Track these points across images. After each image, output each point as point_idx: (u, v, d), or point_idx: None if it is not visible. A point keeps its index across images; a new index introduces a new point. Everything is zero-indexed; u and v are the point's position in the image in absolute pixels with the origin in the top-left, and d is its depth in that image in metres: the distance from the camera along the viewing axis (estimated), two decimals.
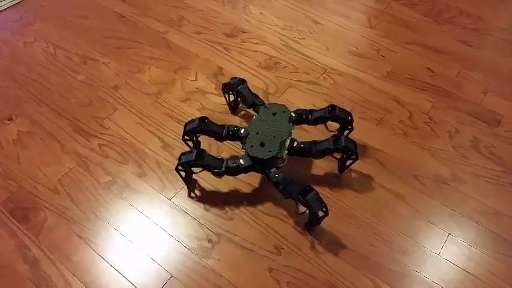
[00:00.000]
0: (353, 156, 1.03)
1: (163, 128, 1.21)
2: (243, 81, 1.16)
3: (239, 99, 1.21)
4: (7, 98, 1.29)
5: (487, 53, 1.46)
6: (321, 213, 0.91)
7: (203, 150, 0.98)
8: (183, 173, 1.02)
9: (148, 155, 1.14)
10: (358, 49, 1.46)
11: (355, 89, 1.33)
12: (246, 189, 1.08)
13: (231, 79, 1.17)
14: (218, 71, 1.39)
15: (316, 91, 1.33)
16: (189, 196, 1.07)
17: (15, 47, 1.46)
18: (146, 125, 1.22)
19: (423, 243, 0.98)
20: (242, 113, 1.26)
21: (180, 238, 0.99)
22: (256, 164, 0.99)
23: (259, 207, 1.04)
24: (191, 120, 1.05)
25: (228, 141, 1.11)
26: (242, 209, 1.04)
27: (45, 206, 1.04)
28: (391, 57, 1.43)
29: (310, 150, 1.01)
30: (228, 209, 1.04)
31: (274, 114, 1.06)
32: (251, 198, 1.06)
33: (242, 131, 1.03)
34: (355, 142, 1.02)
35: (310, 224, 0.99)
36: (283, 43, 1.49)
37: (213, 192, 1.07)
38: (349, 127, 1.08)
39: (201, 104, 1.29)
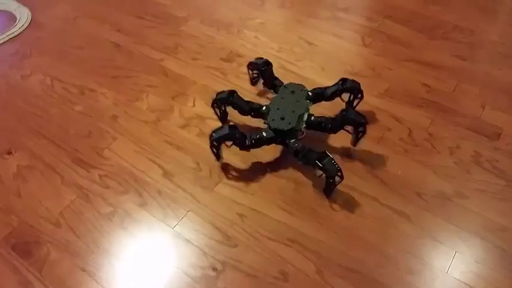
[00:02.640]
0: (361, 128, 1.11)
1: (163, 156, 1.20)
2: (268, 63, 1.27)
3: (261, 77, 1.31)
4: (6, 132, 1.29)
5: (482, 67, 1.47)
6: (337, 179, 1.02)
7: (233, 125, 1.08)
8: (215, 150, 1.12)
9: (149, 183, 1.14)
10: (354, 68, 1.47)
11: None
12: (249, 213, 1.07)
13: (256, 58, 1.29)
14: None
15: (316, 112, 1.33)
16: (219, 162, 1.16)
17: (12, 81, 1.47)
18: (146, 153, 1.21)
19: (430, 262, 0.97)
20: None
21: (184, 268, 0.97)
22: (277, 136, 1.10)
23: (263, 232, 1.03)
24: (222, 91, 1.19)
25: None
26: (246, 234, 1.03)
27: (47, 240, 1.02)
28: (387, 75, 1.44)
29: (326, 124, 1.12)
30: (231, 235, 1.03)
31: (292, 92, 1.18)
32: (254, 223, 1.05)
33: (264, 108, 1.16)
34: (363, 116, 1.10)
35: (328, 189, 1.07)
36: (280, 65, 1.50)
37: (213, 219, 1.06)
38: (359, 96, 1.21)
39: (200, 129, 1.29)
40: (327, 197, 1.09)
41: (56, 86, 1.45)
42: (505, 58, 1.50)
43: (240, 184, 1.13)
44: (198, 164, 1.18)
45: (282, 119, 1.10)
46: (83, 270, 0.97)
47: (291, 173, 1.15)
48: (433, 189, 1.11)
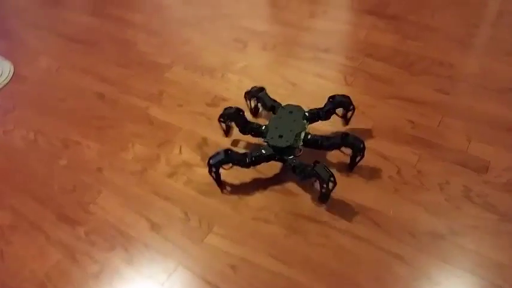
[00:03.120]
0: (359, 153, 1.18)
1: (150, 208, 1.18)
2: (262, 89, 1.36)
3: (259, 104, 1.39)
4: None
5: (464, 100, 1.49)
6: (331, 185, 1.08)
7: (228, 149, 1.15)
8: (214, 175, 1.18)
9: (136, 238, 1.10)
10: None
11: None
12: (241, 264, 1.04)
13: (251, 88, 1.38)
14: (202, 142, 1.39)
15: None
16: (223, 192, 1.21)
17: None
18: (132, 205, 1.19)
19: None
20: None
21: None
22: (276, 153, 1.17)
23: (257, 284, 1.00)
24: (229, 107, 1.28)
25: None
26: None
27: None
28: (372, 113, 1.45)
29: (322, 142, 1.19)
30: None
31: (290, 112, 1.26)
32: (247, 275, 1.02)
33: (263, 127, 1.24)
34: (362, 140, 1.16)
35: (323, 196, 1.13)
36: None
37: (204, 272, 1.03)
38: (351, 108, 1.30)
39: (187, 177, 1.27)
40: (323, 204, 1.15)
41: (39, 140, 1.43)
42: (486, 90, 1.53)
43: (231, 232, 1.10)
44: (186, 213, 1.16)
45: (280, 137, 1.17)
46: None
47: (282, 219, 1.13)
48: (426, 228, 1.09)
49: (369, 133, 1.38)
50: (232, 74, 1.69)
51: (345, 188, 1.20)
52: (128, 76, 1.72)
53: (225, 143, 1.38)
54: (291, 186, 1.22)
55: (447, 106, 1.47)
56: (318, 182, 1.10)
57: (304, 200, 1.18)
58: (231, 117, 1.28)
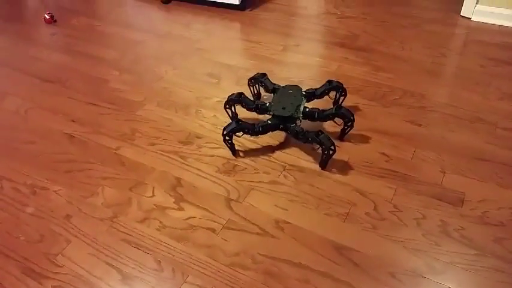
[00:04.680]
0: (349, 123, 1.39)
1: (121, 257, 1.13)
2: (264, 74, 1.58)
3: (262, 88, 1.61)
4: None
5: (436, 131, 1.51)
6: (331, 152, 1.28)
7: (239, 119, 1.36)
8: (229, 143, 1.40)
9: None
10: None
11: (317, 183, 1.32)
12: None
13: (255, 74, 1.60)
14: (176, 183, 1.36)
15: (279, 191, 1.30)
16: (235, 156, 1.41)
17: None
18: (103, 256, 1.13)
19: None
20: None
21: None
22: (280, 122, 1.38)
23: None
24: (232, 94, 1.47)
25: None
26: None
27: None
28: (346, 147, 1.45)
29: (318, 114, 1.40)
30: None
31: (290, 90, 1.48)
32: None
33: (267, 104, 1.44)
34: (352, 113, 1.39)
35: (323, 162, 1.34)
36: (239, 144, 1.48)
37: None
38: (343, 93, 1.53)
39: (160, 222, 1.23)
40: (323, 169, 1.35)
41: (5, 186, 1.37)
42: (457, 120, 1.55)
43: (207, 282, 1.06)
44: (159, 263, 1.11)
45: (283, 108, 1.39)
46: None
47: (259, 263, 1.10)
48: (405, 267, 1.07)
49: (343, 168, 1.37)
50: (206, 110, 1.68)
51: (323, 225, 1.18)
52: (99, 115, 1.68)
53: (202, 182, 1.34)
54: (269, 226, 1.19)
55: (420, 137, 1.48)
56: (320, 148, 1.31)
57: (283, 241, 1.15)
58: (235, 101, 1.46)
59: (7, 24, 2.51)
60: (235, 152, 1.44)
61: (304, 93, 1.48)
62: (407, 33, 2.17)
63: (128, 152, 1.49)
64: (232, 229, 1.19)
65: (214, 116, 1.65)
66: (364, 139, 1.48)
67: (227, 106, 1.50)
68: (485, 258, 1.09)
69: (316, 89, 1.51)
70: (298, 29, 2.27)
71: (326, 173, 1.35)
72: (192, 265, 1.10)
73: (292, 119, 1.38)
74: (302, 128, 1.35)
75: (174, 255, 1.12)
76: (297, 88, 1.49)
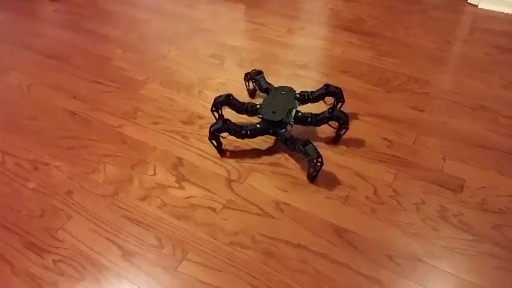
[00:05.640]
0: (344, 126, 1.31)
1: (122, 234, 1.14)
2: (260, 72, 1.52)
3: (256, 86, 1.53)
4: None
5: (439, 117, 1.50)
6: (318, 164, 1.19)
7: (227, 119, 1.28)
8: (215, 142, 1.32)
9: (107, 267, 1.06)
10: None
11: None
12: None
13: (252, 70, 1.54)
14: (178, 162, 1.36)
15: (280, 173, 1.31)
16: (222, 156, 1.34)
17: None
18: (103, 232, 1.14)
19: None
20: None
21: None
22: (269, 127, 1.30)
23: None
24: (219, 95, 1.37)
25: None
26: None
27: None
28: (348, 131, 1.44)
29: (311, 119, 1.32)
30: None
31: (283, 92, 1.39)
32: None
33: (258, 105, 1.35)
34: (347, 115, 1.30)
35: (311, 174, 1.23)
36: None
37: None
38: (342, 100, 1.41)
39: (161, 200, 1.23)
40: (311, 182, 1.25)
41: (7, 161, 1.38)
42: (460, 107, 1.54)
43: (207, 259, 1.07)
44: (160, 240, 1.12)
45: (274, 112, 1.30)
46: None
47: (259, 243, 1.11)
48: (404, 250, 1.08)
49: (344, 151, 1.37)
50: (209, 91, 1.67)
51: (323, 209, 1.18)
52: (101, 93, 1.68)
53: (203, 162, 1.35)
54: (269, 207, 1.20)
55: (422, 123, 1.48)
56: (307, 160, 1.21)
57: (282, 222, 1.16)
58: (223, 103, 1.37)
59: (10, 0, 2.49)
60: (221, 151, 1.36)
61: (297, 95, 1.39)
62: (414, 19, 2.15)
63: (129, 131, 1.49)
64: (233, 209, 1.20)
65: None
66: (366, 124, 1.48)
67: (213, 108, 1.39)
68: (483, 244, 1.10)
69: (311, 92, 1.41)
70: (303, 12, 2.25)
71: (327, 156, 1.35)
72: (192, 243, 1.11)
73: (283, 123, 1.29)
74: (292, 135, 1.27)
75: (174, 233, 1.13)
76: (290, 90, 1.40)
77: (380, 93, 1.62)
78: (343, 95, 1.39)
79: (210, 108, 1.41)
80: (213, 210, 1.19)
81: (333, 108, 1.40)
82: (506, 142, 1.39)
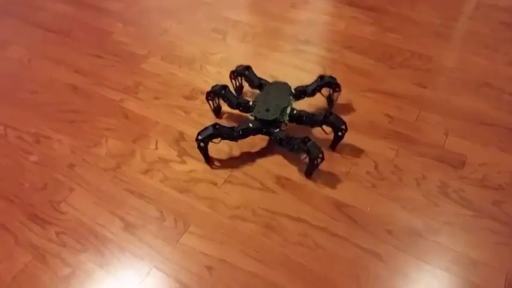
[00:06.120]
0: (339, 133, 1.22)
1: (124, 207, 1.15)
2: (248, 67, 1.39)
3: (247, 82, 1.41)
4: None
5: (442, 94, 1.49)
6: (319, 160, 1.13)
7: (216, 123, 1.18)
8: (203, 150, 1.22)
9: (110, 239, 1.07)
10: (317, 101, 1.46)
11: (319, 141, 1.31)
12: (218, 265, 1.02)
13: (237, 66, 1.41)
14: (179, 137, 1.36)
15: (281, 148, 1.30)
16: (212, 168, 1.24)
17: None
18: (106, 204, 1.15)
19: None
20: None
21: None
22: (263, 126, 1.21)
23: (234, 286, 0.98)
24: (215, 85, 1.32)
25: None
26: None
27: None
28: (350, 106, 1.44)
29: (306, 119, 1.23)
30: None
31: (277, 88, 1.31)
32: (224, 276, 1.00)
33: (251, 102, 1.27)
34: (344, 121, 1.21)
35: (309, 170, 1.18)
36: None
37: (179, 274, 1.01)
38: (337, 89, 1.34)
39: (163, 174, 1.24)
40: (308, 178, 1.20)
41: (9, 134, 1.38)
42: (464, 84, 1.53)
43: (208, 232, 1.08)
44: (162, 212, 1.13)
45: (267, 110, 1.22)
46: None
47: (260, 216, 1.12)
48: (403, 225, 1.09)
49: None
50: (211, 66, 1.66)
51: (323, 183, 1.19)
52: (102, 67, 1.66)
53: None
54: (269, 182, 1.20)
55: (425, 100, 1.47)
56: (307, 157, 1.15)
57: (283, 197, 1.17)
58: (216, 93, 1.31)
59: None
60: (209, 160, 1.25)
61: (293, 91, 1.31)
62: None
63: (131, 105, 1.48)
64: (234, 183, 1.20)
65: (219, 72, 1.63)
66: (368, 99, 1.47)
67: (209, 97, 1.34)
68: (483, 219, 1.10)
69: (307, 86, 1.33)
70: None
71: (328, 131, 1.34)
72: (194, 215, 1.12)
73: (277, 122, 1.22)
74: (287, 135, 1.18)
75: (176, 206, 1.14)
76: (285, 86, 1.32)
77: (383, 69, 1.61)
78: (338, 84, 1.33)
79: (211, 83, 1.40)
80: (215, 184, 1.20)
81: (330, 101, 1.39)
82: (509, 119, 1.38)
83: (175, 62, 1.68)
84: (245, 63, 1.61)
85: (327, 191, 1.17)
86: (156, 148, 1.32)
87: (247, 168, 1.24)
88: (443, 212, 1.12)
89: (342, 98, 1.46)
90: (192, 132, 1.36)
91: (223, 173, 1.23)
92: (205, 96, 1.35)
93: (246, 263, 1.02)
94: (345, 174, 1.22)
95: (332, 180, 1.20)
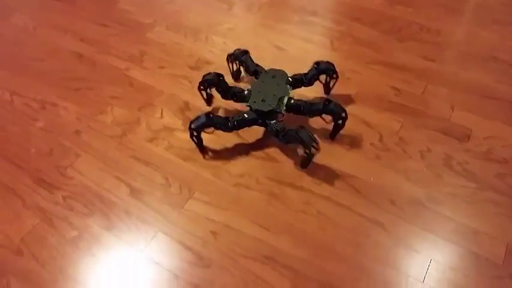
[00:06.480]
0: (340, 121, 1.17)
1: (130, 173, 1.16)
2: (245, 52, 1.32)
3: (242, 68, 1.35)
4: None
5: (450, 67, 1.48)
6: (313, 150, 1.06)
7: (210, 112, 1.12)
8: (196, 139, 1.16)
9: (116, 203, 1.09)
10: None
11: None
12: (222, 230, 1.04)
13: (235, 50, 1.33)
14: (184, 106, 1.36)
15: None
16: (205, 158, 1.19)
17: None
18: (112, 170, 1.17)
19: (407, 272, 0.96)
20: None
21: None
22: (259, 117, 1.15)
23: (238, 250, 1.00)
24: (208, 73, 1.23)
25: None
26: (219, 254, 1.00)
27: (7, 271, 0.97)
28: (356, 79, 1.43)
29: (304, 108, 1.17)
30: (204, 255, 0.99)
31: (273, 77, 1.24)
32: (228, 241, 1.02)
33: (246, 91, 1.20)
34: (344, 109, 1.15)
35: (304, 161, 1.14)
36: None
37: (183, 238, 1.03)
38: (334, 76, 1.28)
39: (168, 142, 1.25)
40: (302, 169, 1.15)
41: (15, 101, 1.38)
42: (472, 58, 1.52)
43: (213, 198, 1.10)
44: (167, 179, 1.14)
45: (263, 101, 1.15)
46: None
47: (263, 185, 1.13)
48: (406, 195, 1.10)
49: (352, 99, 1.36)
50: (217, 36, 1.64)
51: (327, 154, 1.19)
52: (108, 35, 1.65)
53: (207, 108, 1.35)
54: (273, 152, 1.21)
55: (432, 73, 1.45)
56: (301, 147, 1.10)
57: (286, 166, 1.17)
58: (211, 83, 1.22)
59: None
60: (203, 150, 1.20)
61: (289, 79, 1.24)
62: None
63: (136, 74, 1.48)
64: (238, 152, 1.21)
65: (224, 43, 1.62)
66: (376, 72, 1.46)
67: (201, 87, 1.25)
68: (485, 191, 1.11)
69: (304, 75, 1.27)
70: None
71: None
72: (199, 183, 1.13)
73: (273, 113, 1.16)
74: (284, 127, 1.12)
75: (181, 173, 1.15)
76: (281, 74, 1.24)
77: (391, 41, 1.59)
78: (336, 71, 1.27)
79: (217, 54, 1.39)
80: (219, 152, 1.20)
81: (327, 89, 1.34)
82: None
83: (180, 31, 1.67)
84: (251, 34, 1.59)
85: (331, 161, 1.18)
86: (162, 117, 1.33)
87: (252, 137, 1.25)
88: (447, 184, 1.13)
89: (349, 69, 1.45)
90: (198, 102, 1.36)
91: (228, 143, 1.23)
92: (197, 87, 1.26)
93: (250, 228, 1.03)
94: (349, 146, 1.22)
95: (336, 151, 1.20)
